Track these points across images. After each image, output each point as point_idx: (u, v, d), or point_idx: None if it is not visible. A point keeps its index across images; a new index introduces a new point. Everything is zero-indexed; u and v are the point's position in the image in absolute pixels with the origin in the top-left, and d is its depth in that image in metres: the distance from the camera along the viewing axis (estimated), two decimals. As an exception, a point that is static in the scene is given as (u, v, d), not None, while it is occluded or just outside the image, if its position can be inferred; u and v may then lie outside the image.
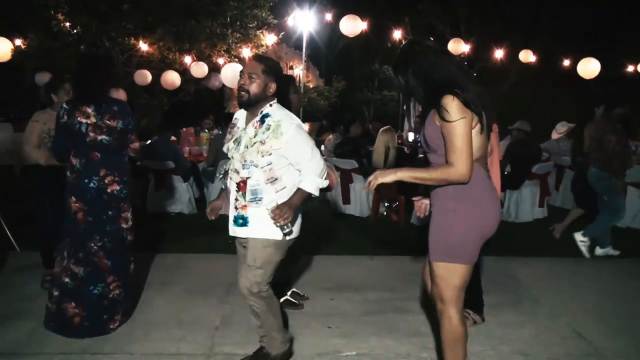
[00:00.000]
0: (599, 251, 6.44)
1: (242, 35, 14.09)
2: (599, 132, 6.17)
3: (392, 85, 23.94)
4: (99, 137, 3.94)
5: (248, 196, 3.26)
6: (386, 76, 25.07)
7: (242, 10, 13.74)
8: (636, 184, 7.83)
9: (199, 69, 13.48)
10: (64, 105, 4.02)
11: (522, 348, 4.02)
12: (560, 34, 18.94)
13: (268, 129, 3.21)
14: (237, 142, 3.34)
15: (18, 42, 12.71)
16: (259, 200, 3.25)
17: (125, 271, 4.19)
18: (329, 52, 24.00)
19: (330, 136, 10.33)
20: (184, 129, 11.90)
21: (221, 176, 3.52)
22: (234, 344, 3.92)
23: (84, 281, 4.02)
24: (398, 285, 5.19)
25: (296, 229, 3.39)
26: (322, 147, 9.83)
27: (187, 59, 13.83)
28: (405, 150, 10.39)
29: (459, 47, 13.91)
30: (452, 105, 2.70)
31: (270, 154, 3.20)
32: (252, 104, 3.27)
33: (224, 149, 3.46)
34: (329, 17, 13.59)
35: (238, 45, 14.00)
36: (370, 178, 2.92)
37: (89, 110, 3.95)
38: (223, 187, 3.54)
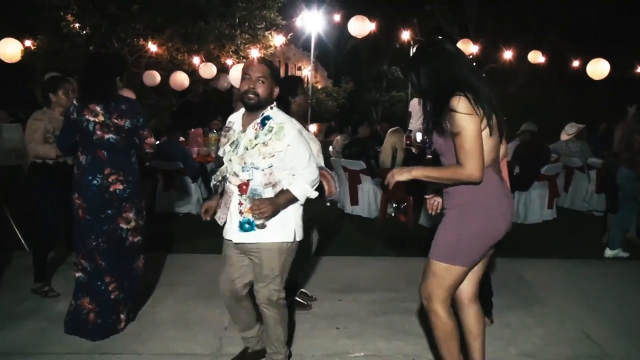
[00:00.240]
0: (608, 253, 6.41)
1: (251, 36, 14.13)
2: (629, 132, 6.11)
3: (400, 86, 23.94)
4: (106, 136, 3.94)
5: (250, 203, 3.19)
6: (394, 77, 25.05)
7: (251, 11, 13.77)
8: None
9: (208, 70, 13.53)
10: (75, 103, 4.03)
11: (530, 350, 4.01)
12: (569, 35, 18.85)
13: (270, 130, 3.18)
14: (235, 144, 3.26)
15: (28, 43, 12.79)
16: None
17: (125, 273, 4.15)
18: (337, 53, 23.98)
19: (339, 137, 10.32)
20: (193, 129, 11.91)
21: (219, 180, 3.39)
22: (242, 345, 3.91)
23: (92, 276, 4.04)
24: (406, 287, 5.17)
25: (299, 231, 3.36)
26: (331, 148, 9.84)
27: (196, 60, 13.88)
28: (414, 151, 10.36)
29: (467, 48, 13.85)
30: (460, 106, 2.71)
31: (272, 156, 3.16)
32: (259, 107, 3.24)
33: (220, 152, 3.39)
34: (337, 18, 13.60)
35: (246, 46, 14.04)
36: (388, 176, 2.96)
37: (98, 108, 3.95)
38: (219, 191, 3.43)
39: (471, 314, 3.16)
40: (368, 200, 8.42)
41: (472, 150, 2.71)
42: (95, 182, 3.95)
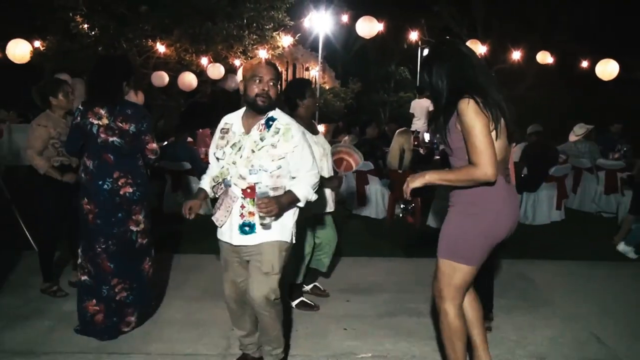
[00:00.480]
0: (621, 247, 6.40)
1: (259, 36, 14.13)
2: None
3: (408, 87, 23.90)
4: (111, 139, 3.93)
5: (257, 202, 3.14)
6: (402, 78, 25.01)
7: (259, 12, 13.77)
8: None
9: (216, 71, 13.56)
10: (79, 107, 4.04)
11: (538, 351, 4.00)
12: (577, 36, 18.77)
13: (277, 132, 3.17)
14: (237, 147, 3.22)
15: (37, 43, 12.87)
16: None
17: (134, 274, 4.16)
18: (345, 53, 23.96)
19: (346, 138, 10.33)
20: (201, 130, 11.94)
21: (219, 182, 3.31)
22: (249, 345, 3.93)
23: (96, 279, 4.05)
24: (414, 288, 5.17)
25: (294, 234, 3.35)
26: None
27: (204, 61, 13.90)
28: (421, 151, 10.35)
29: (475, 48, 13.78)
30: (468, 108, 2.73)
31: (281, 158, 3.15)
32: (269, 110, 3.24)
33: (218, 154, 3.32)
34: (345, 18, 13.63)
35: (254, 46, 14.04)
36: (404, 187, 2.99)
37: (102, 111, 3.95)
38: (214, 192, 3.36)
39: (465, 302, 3.17)
40: (376, 201, 8.42)
41: (484, 150, 2.72)
42: (105, 186, 3.95)
